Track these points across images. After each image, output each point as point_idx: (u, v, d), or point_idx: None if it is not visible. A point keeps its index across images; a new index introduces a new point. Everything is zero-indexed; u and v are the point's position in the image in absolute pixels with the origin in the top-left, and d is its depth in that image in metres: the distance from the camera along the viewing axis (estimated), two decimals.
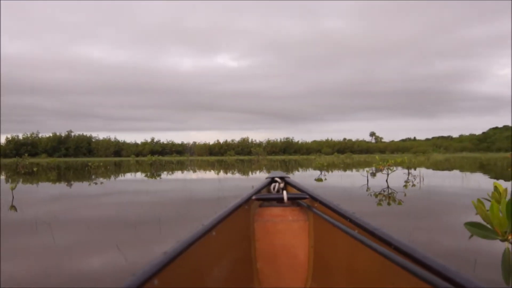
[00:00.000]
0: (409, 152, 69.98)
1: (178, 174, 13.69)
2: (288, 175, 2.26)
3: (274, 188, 2.13)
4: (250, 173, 14.34)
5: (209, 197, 5.95)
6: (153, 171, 16.65)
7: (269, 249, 1.81)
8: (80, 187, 8.53)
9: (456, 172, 12.39)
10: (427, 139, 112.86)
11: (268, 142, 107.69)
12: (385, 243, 1.12)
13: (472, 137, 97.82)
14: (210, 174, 13.53)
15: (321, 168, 12.96)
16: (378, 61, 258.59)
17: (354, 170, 15.23)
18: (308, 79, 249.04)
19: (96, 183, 9.30)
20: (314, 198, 1.78)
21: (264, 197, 1.90)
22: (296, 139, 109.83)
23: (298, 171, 15.29)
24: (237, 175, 12.58)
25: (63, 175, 13.78)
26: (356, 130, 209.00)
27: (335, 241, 1.55)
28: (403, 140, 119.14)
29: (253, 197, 1.85)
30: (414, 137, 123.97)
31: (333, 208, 1.56)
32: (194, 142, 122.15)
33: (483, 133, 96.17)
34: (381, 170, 9.28)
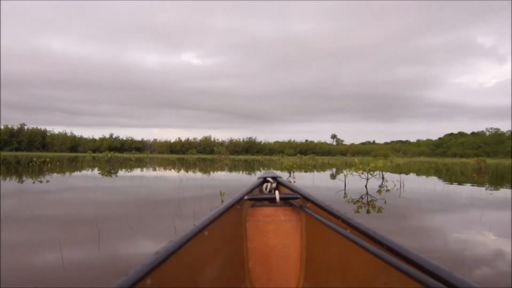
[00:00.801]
0: (369, 155, 71.75)
1: (134, 172, 12.79)
2: (281, 176, 2.23)
3: (266, 188, 2.13)
4: (212, 172, 13.66)
5: (163, 198, 5.34)
6: (109, 168, 15.51)
7: (261, 249, 1.81)
8: (13, 184, 7.44)
9: (426, 177, 12.37)
10: (386, 143, 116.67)
11: (231, 141, 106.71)
12: (377, 243, 1.12)
13: (429, 142, 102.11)
14: (169, 173, 12.71)
15: (289, 169, 12.29)
16: (343, 65, 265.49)
17: (322, 172, 14.89)
18: (275, 80, 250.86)
19: (39, 181, 8.24)
20: (306, 198, 1.78)
21: (256, 197, 1.90)
22: (259, 139, 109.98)
23: (260, 170, 14.80)
24: (199, 175, 11.87)
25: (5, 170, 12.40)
26: (318, 132, 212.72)
27: (327, 241, 1.55)
28: (363, 143, 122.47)
29: (245, 197, 1.85)
30: (374, 141, 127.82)
31: (325, 208, 1.56)
32: (155, 140, 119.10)
33: (439, 138, 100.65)
34: (359, 175, 8.60)
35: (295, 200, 1.90)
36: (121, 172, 12.31)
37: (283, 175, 11.16)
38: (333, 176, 11.55)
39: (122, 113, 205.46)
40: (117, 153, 40.33)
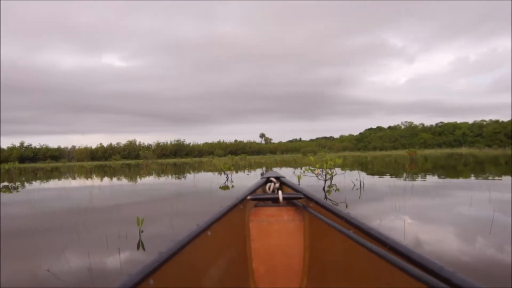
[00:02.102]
0: (298, 152, 73.45)
1: (43, 184, 10.81)
2: (284, 176, 2.23)
3: (269, 188, 2.13)
4: (137, 178, 12.14)
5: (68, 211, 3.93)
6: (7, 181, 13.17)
7: (264, 249, 1.81)
8: None
9: (363, 172, 12.17)
10: (311, 140, 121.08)
11: (158, 145, 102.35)
12: (380, 243, 1.12)
13: (351, 137, 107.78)
14: (86, 182, 10.98)
15: (224, 170, 10.32)
16: (270, 67, 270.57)
17: (259, 172, 14.10)
18: (202, 81, 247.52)
19: None
20: (309, 198, 1.79)
21: (259, 197, 1.90)
22: (187, 142, 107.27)
23: (190, 173, 13.61)
24: (122, 182, 10.36)
25: None
26: (247, 132, 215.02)
27: (330, 241, 1.55)
28: (290, 141, 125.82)
29: (248, 197, 1.86)
30: (300, 138, 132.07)
31: (328, 208, 1.57)
32: (74, 146, 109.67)
33: (360, 133, 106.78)
34: (316, 175, 7.35)
35: (298, 200, 1.89)
36: (24, 185, 10.27)
37: (218, 180, 10.02)
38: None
39: (36, 119, 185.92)
40: (29, 164, 35.91)
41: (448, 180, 8.16)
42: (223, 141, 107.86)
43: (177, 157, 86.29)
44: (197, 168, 19.67)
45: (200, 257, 1.28)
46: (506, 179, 7.83)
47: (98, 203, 5.70)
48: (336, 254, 1.48)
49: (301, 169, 8.96)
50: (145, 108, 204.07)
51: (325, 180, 7.06)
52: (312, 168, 7.46)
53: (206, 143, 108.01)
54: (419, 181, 7.81)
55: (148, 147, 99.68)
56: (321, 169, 7.31)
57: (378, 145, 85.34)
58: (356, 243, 1.24)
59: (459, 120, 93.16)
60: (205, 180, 10.22)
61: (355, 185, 6.79)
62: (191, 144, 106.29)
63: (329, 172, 7.21)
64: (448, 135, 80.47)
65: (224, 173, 10.63)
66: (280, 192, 1.90)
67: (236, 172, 14.72)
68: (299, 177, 7.06)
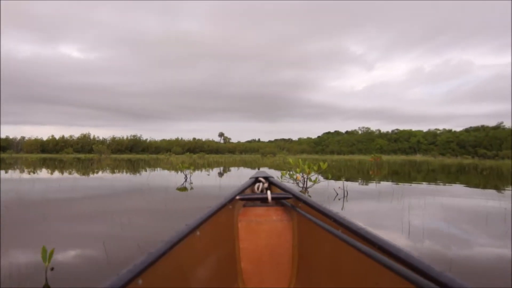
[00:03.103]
0: (257, 152, 73.77)
1: None
2: (272, 176, 2.25)
3: (258, 188, 2.13)
4: (82, 173, 11.59)
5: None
6: None
7: (253, 249, 1.82)
8: None
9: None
10: (270, 141, 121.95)
11: (113, 139, 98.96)
12: (369, 243, 1.14)
13: (309, 140, 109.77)
14: (22, 175, 10.28)
15: (182, 169, 9.53)
16: (230, 66, 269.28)
17: (230, 173, 13.89)
18: (162, 77, 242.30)
19: None
20: (298, 198, 1.80)
21: (248, 197, 1.91)
22: (144, 137, 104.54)
23: (146, 171, 13.20)
24: (63, 176, 9.81)
25: None
26: (206, 130, 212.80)
27: (319, 241, 1.57)
28: (249, 141, 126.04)
29: (237, 197, 1.86)
30: (259, 139, 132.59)
31: (317, 208, 1.58)
32: (23, 137, 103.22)
33: (318, 137, 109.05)
34: (296, 181, 6.53)
35: (287, 200, 1.90)
36: None
37: (175, 179, 9.73)
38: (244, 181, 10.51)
39: None
40: None
41: (419, 185, 8.50)
42: (181, 138, 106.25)
43: (133, 153, 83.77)
44: (153, 165, 19.17)
45: (189, 257, 1.30)
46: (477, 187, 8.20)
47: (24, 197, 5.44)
48: (325, 254, 1.50)
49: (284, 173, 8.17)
50: (102, 102, 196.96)
51: (306, 188, 6.34)
52: (291, 173, 6.72)
53: (163, 140, 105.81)
54: (405, 187, 7.93)
55: (103, 142, 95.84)
56: (301, 174, 6.58)
57: (336, 149, 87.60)
58: (344, 243, 1.25)
59: (414, 128, 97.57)
60: (161, 179, 9.77)
61: (337, 194, 6.02)
62: (148, 140, 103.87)
63: (311, 178, 6.49)
64: (403, 142, 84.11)
65: (182, 173, 9.95)
66: (269, 192, 1.92)
67: (194, 170, 14.47)
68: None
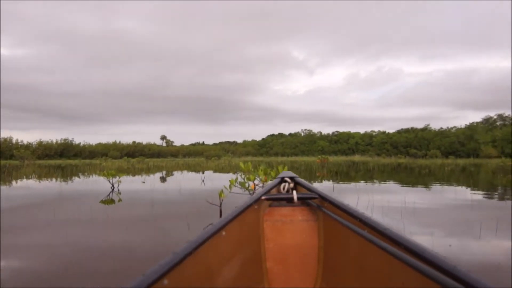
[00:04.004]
0: (202, 156, 73.15)
1: None
2: (297, 176, 2.27)
3: (283, 188, 2.16)
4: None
5: None
6: None
7: (278, 249, 1.84)
8: None
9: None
10: (215, 144, 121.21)
11: (40, 143, 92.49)
12: (394, 243, 1.14)
13: (254, 142, 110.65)
14: None
15: (108, 176, 8.45)
16: (172, 68, 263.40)
17: (164, 180, 13.58)
18: (98, 77, 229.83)
19: None
20: (323, 198, 1.81)
21: (273, 197, 1.94)
22: (77, 141, 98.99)
23: (70, 179, 12.66)
24: None
25: None
26: (147, 133, 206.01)
27: (344, 241, 1.57)
28: (193, 144, 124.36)
29: (263, 197, 1.89)
30: (203, 142, 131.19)
31: (343, 208, 1.59)
32: None
33: (263, 139, 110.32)
34: (250, 191, 5.48)
35: (313, 200, 1.91)
36: None
37: (100, 189, 9.43)
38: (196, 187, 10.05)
39: None
40: None
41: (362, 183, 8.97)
42: (119, 142, 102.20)
43: (63, 158, 79.10)
44: (84, 171, 18.14)
45: (214, 257, 1.30)
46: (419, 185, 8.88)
47: None
48: (351, 254, 1.51)
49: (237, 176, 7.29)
50: (28, 102, 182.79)
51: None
52: (243, 180, 5.59)
53: (99, 144, 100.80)
54: (348, 186, 8.30)
55: (28, 146, 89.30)
56: (256, 182, 5.54)
57: (280, 151, 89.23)
58: (370, 243, 1.26)
59: (352, 130, 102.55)
60: (84, 188, 8.61)
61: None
62: (81, 144, 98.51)
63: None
64: (343, 143, 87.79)
65: (109, 181, 8.53)
66: (294, 192, 1.94)
67: (134, 175, 14.07)
68: (220, 194, 4.73)
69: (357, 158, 58.06)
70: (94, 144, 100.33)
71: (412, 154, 65.19)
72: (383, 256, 1.18)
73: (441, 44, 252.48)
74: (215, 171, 17.53)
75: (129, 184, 9.84)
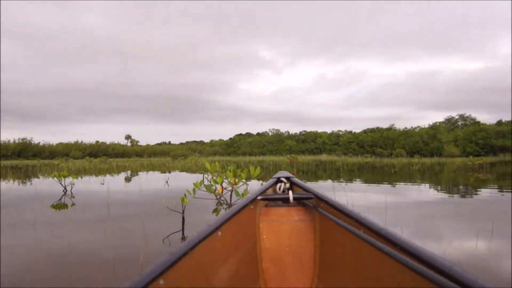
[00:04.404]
0: (168, 155, 72.05)
1: None
2: (293, 176, 2.28)
3: (279, 188, 2.16)
4: None
5: None
6: None
7: (274, 249, 1.85)
8: None
9: None
10: (181, 143, 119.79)
11: None
12: (390, 243, 1.14)
13: (221, 142, 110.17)
14: None
15: (59, 178, 7.70)
16: (137, 65, 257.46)
17: (126, 181, 13.10)
18: (58, 75, 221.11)
19: None
20: (319, 198, 1.82)
21: (269, 197, 1.95)
22: (37, 141, 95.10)
23: (25, 181, 12.01)
24: None
25: None
26: (111, 133, 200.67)
27: (341, 241, 1.58)
28: (159, 144, 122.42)
29: (259, 197, 1.90)
30: (169, 141, 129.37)
31: (339, 208, 1.59)
32: None
33: (230, 139, 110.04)
34: (217, 195, 4.90)
35: (309, 200, 1.92)
36: None
37: (51, 194, 8.95)
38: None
39: None
40: None
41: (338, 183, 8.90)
42: (82, 141, 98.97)
43: (21, 158, 75.66)
44: (42, 172, 17.39)
45: (210, 257, 1.32)
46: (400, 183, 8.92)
47: None
48: (347, 254, 1.52)
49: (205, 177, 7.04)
50: None
51: (229, 205, 4.70)
52: (209, 183, 4.90)
53: (60, 143, 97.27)
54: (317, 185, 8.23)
55: None
56: (226, 183, 4.88)
57: (248, 151, 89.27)
58: (366, 243, 1.27)
59: (319, 129, 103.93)
60: (39, 190, 8.12)
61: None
62: (41, 143, 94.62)
63: (239, 191, 4.71)
64: (310, 143, 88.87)
65: (60, 183, 7.84)
66: (290, 192, 1.96)
67: (96, 176, 13.53)
68: (183, 200, 4.12)
69: (324, 157, 58.88)
70: (55, 144, 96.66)
71: (378, 153, 66.89)
72: (379, 256, 1.19)
73: (404, 45, 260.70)
74: (181, 171, 17.20)
75: (87, 185, 9.40)
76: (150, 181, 10.99)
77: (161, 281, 0.94)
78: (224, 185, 4.94)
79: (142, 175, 14.38)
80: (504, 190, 7.34)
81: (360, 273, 1.39)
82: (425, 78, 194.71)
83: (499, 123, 67.79)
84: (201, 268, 1.23)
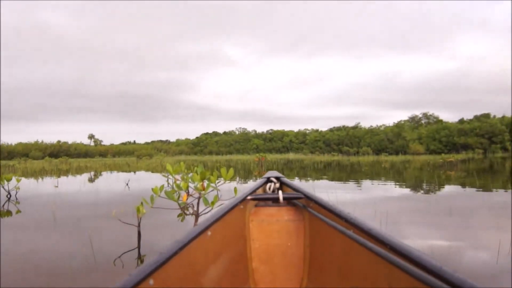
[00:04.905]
0: (132, 155, 70.31)
1: None
2: (283, 175, 2.27)
3: (269, 188, 2.16)
4: None
5: None
6: None
7: (264, 249, 1.85)
8: None
9: None
10: (146, 143, 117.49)
11: None
12: (380, 243, 1.14)
13: (187, 141, 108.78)
14: None
15: (6, 180, 6.93)
16: (101, 64, 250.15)
17: (86, 182, 12.46)
18: (18, 73, 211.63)
19: None
20: (309, 198, 1.82)
21: (259, 197, 1.95)
22: None
23: None
24: None
25: None
26: (73, 132, 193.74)
27: (330, 241, 1.58)
28: (124, 143, 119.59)
29: (248, 197, 1.89)
30: (134, 141, 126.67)
31: (329, 208, 1.59)
32: None
33: (197, 137, 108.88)
34: (180, 204, 3.73)
35: (299, 200, 1.92)
36: None
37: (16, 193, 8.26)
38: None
39: None
40: None
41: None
42: (42, 141, 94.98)
43: None
44: None
45: (200, 257, 1.32)
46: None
47: None
48: (337, 254, 1.51)
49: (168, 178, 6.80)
50: None
51: (197, 215, 3.78)
52: (172, 189, 3.87)
53: (20, 143, 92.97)
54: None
55: None
56: (191, 188, 3.85)
57: (215, 150, 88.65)
58: (356, 243, 1.26)
59: (286, 128, 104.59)
60: None
61: None
62: None
63: (208, 199, 3.52)
64: (277, 141, 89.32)
65: (6, 187, 6.89)
66: (280, 192, 1.95)
67: (55, 177, 12.82)
68: (138, 210, 3.34)
69: (292, 156, 59.32)
70: (13, 144, 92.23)
71: (344, 152, 68.15)
72: (369, 256, 1.18)
73: (369, 45, 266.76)
74: (146, 171, 16.67)
75: (39, 188, 8.83)
76: (110, 183, 10.46)
77: (151, 281, 0.94)
78: (190, 190, 3.96)
79: (103, 176, 13.77)
80: (476, 188, 7.44)
81: (350, 273, 1.38)
82: (389, 77, 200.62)
83: (461, 121, 70.70)
84: (191, 268, 1.23)
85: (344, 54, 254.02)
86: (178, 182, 3.95)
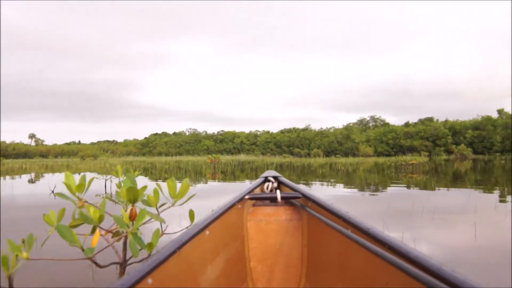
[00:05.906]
0: (76, 156, 66.47)
1: None
2: (281, 175, 2.23)
3: (267, 188, 2.17)
4: None
5: None
6: None
7: (262, 248, 1.83)
8: None
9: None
10: (92, 143, 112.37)
11: None
12: (378, 242, 1.14)
13: (135, 141, 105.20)
14: None
15: None
16: (45, 60, 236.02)
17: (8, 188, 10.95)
18: None
19: None
20: (307, 198, 1.81)
21: (257, 197, 1.93)
22: None
23: None
24: None
25: None
26: (12, 132, 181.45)
27: (328, 240, 1.58)
28: (68, 143, 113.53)
29: (246, 197, 1.88)
30: (79, 141, 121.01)
31: (327, 207, 1.59)
32: None
33: (145, 138, 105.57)
34: (88, 252, 1.61)
35: (296, 200, 1.91)
36: None
37: None
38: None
39: None
40: None
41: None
42: None
43: None
44: None
45: (198, 256, 1.31)
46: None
47: None
48: (334, 254, 1.51)
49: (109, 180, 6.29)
50: None
51: (124, 265, 1.89)
52: (74, 222, 1.92)
53: None
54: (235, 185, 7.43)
55: None
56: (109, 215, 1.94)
57: (164, 151, 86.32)
58: (354, 243, 1.25)
59: (237, 129, 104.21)
60: None
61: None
62: None
63: (142, 241, 1.72)
64: (228, 142, 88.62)
65: None
66: (278, 191, 1.94)
67: None
68: (5, 264, 1.29)
69: (243, 157, 58.81)
70: None
71: (295, 153, 68.81)
72: (367, 255, 1.18)
73: (320, 47, 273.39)
74: (91, 172, 15.46)
75: None
76: (36, 188, 9.14)
77: (149, 280, 0.94)
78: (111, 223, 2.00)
79: (35, 179, 12.26)
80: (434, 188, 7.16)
81: (348, 273, 1.38)
82: (339, 81, 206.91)
83: (407, 124, 73.95)
84: (189, 267, 1.23)
85: (295, 55, 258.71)
86: (83, 212, 1.80)
